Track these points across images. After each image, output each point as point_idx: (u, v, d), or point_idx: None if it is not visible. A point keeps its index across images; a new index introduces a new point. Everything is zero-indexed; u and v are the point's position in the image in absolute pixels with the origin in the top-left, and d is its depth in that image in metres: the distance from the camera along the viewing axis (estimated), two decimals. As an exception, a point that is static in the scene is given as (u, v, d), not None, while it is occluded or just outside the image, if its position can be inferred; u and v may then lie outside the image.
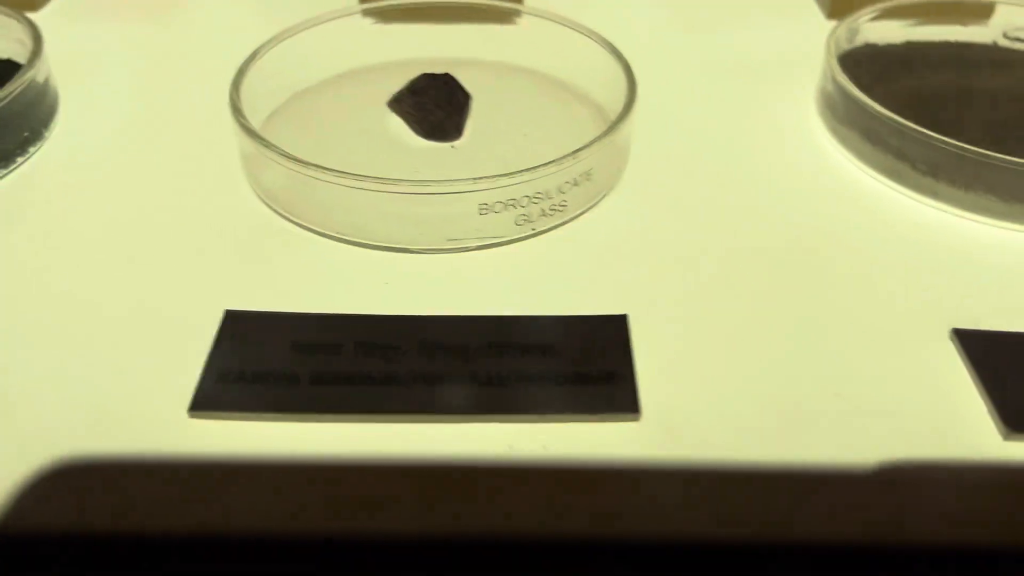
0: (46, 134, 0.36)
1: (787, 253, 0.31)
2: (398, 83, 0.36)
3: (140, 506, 0.12)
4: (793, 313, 0.28)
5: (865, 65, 0.40)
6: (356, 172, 0.29)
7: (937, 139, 0.32)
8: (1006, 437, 0.24)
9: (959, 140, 0.34)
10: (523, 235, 0.31)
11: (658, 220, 0.32)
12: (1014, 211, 0.32)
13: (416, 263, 0.30)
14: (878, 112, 0.33)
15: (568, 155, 0.30)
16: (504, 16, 0.41)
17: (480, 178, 0.29)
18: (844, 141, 0.36)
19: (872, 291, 0.29)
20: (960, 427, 0.25)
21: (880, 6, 0.41)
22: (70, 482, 0.13)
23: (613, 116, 0.33)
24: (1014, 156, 0.33)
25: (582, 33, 0.37)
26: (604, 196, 0.33)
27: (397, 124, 0.36)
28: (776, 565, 0.11)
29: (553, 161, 0.30)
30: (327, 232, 0.31)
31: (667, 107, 0.38)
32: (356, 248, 0.31)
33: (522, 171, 0.29)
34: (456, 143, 0.35)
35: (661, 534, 0.12)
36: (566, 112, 0.37)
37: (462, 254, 0.30)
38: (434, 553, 0.12)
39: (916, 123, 0.34)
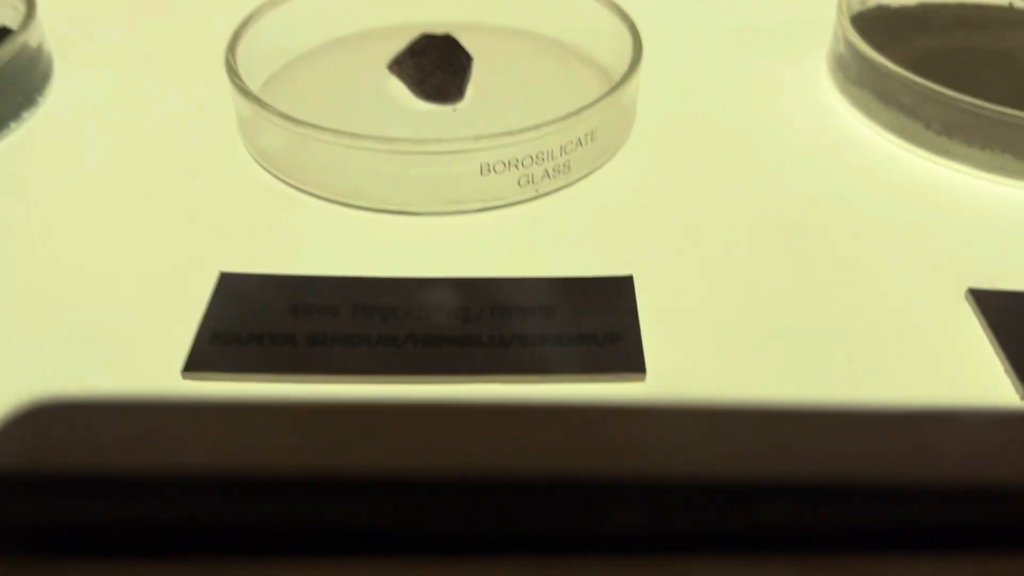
0: (40, 99, 0.35)
1: (796, 214, 0.30)
2: (398, 46, 0.35)
3: (116, 445, 0.12)
4: (804, 274, 0.28)
5: (877, 26, 0.39)
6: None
7: (953, 97, 0.31)
8: (1024, 397, 0.23)
9: (980, 98, 0.33)
10: (526, 197, 0.30)
11: (665, 182, 0.32)
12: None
13: (416, 226, 0.30)
14: (892, 71, 0.32)
15: (571, 114, 0.29)
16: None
17: (481, 137, 0.28)
18: (856, 102, 0.35)
19: (885, 253, 0.29)
20: (977, 387, 0.24)
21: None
22: (50, 422, 0.12)
23: (618, 79, 0.32)
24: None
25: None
26: (610, 158, 0.32)
27: (397, 87, 0.35)
28: (785, 500, 0.11)
29: (556, 120, 0.29)
30: (325, 195, 0.30)
31: (674, 68, 0.37)
32: (355, 211, 0.30)
33: (524, 130, 0.29)
34: (457, 106, 0.35)
35: (669, 473, 0.12)
36: (570, 74, 0.37)
37: (463, 216, 0.30)
38: (437, 493, 0.11)
39: (934, 81, 0.33)
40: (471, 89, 0.35)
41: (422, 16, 0.39)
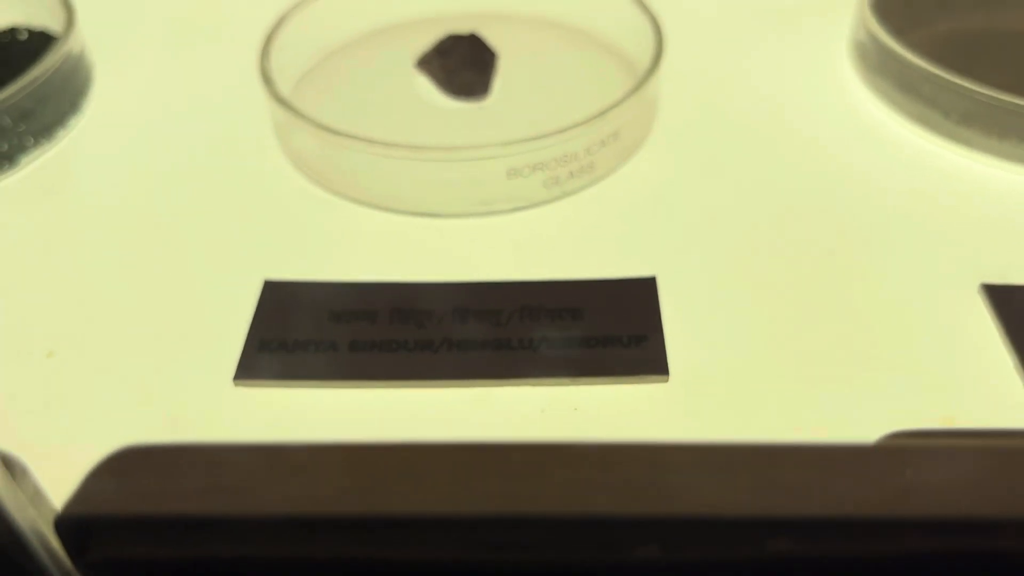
0: (83, 106, 0.36)
1: (818, 210, 0.31)
2: (426, 40, 0.36)
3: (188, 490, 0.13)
4: (822, 270, 0.29)
5: (899, 9, 0.39)
6: (387, 135, 0.30)
7: (970, 88, 0.31)
8: (1030, 388, 0.24)
9: (995, 86, 0.34)
10: (552, 197, 0.31)
11: (687, 177, 0.32)
12: (1048, 159, 0.31)
13: (448, 228, 0.31)
14: (910, 60, 0.33)
15: (594, 117, 0.30)
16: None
17: (507, 143, 0.29)
18: (877, 90, 0.35)
19: (903, 245, 0.29)
20: (985, 383, 0.25)
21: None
22: (124, 466, 0.14)
23: (642, 69, 0.33)
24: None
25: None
26: (633, 154, 0.33)
27: (425, 84, 0.36)
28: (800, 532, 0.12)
29: (579, 124, 0.30)
30: (359, 198, 0.32)
31: (696, 60, 0.38)
32: (388, 214, 0.31)
33: (549, 135, 0.30)
34: (484, 102, 0.36)
35: (684, 509, 0.13)
36: (594, 66, 0.37)
37: (492, 217, 0.31)
38: (468, 522, 0.13)
39: (951, 69, 0.33)
40: (498, 83, 0.36)
41: (449, 7, 0.39)
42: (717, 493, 0.13)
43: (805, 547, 0.13)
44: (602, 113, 0.30)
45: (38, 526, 0.14)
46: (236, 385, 0.26)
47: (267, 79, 0.33)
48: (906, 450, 0.13)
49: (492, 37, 0.36)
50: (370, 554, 0.13)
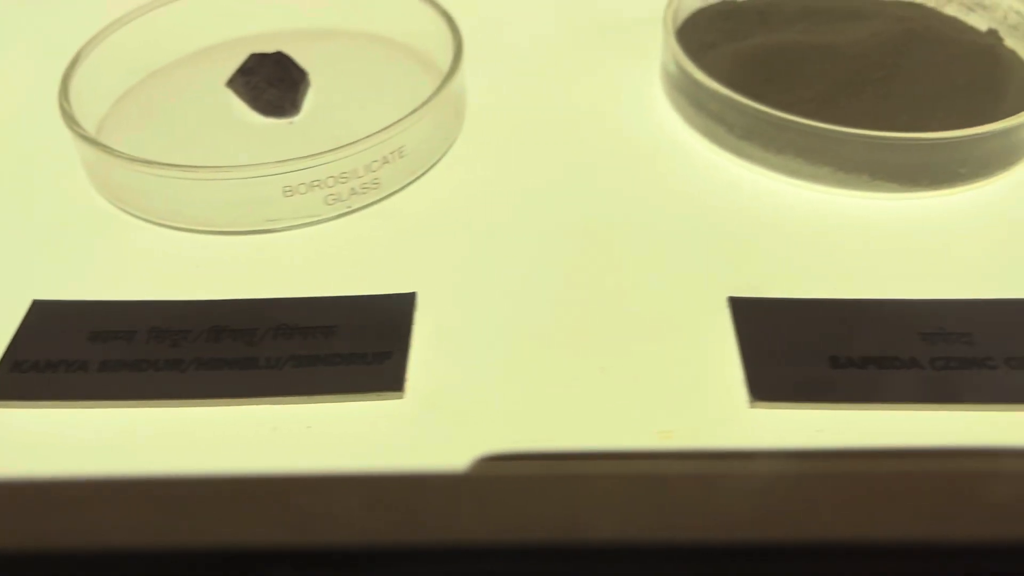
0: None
1: (601, 225, 0.31)
2: (239, 61, 0.37)
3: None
4: (586, 285, 0.29)
5: (718, 22, 0.40)
6: (199, 155, 0.30)
7: (746, 104, 0.32)
8: (750, 405, 0.25)
9: (793, 97, 0.34)
10: (337, 213, 0.32)
11: (479, 195, 0.33)
12: (822, 173, 0.32)
13: (235, 244, 0.31)
14: (697, 79, 0.34)
15: (371, 135, 0.31)
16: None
17: (280, 162, 0.30)
18: (677, 107, 0.36)
19: (674, 255, 0.30)
20: (712, 397, 0.25)
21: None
22: None
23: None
24: (847, 113, 0.34)
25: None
26: (427, 171, 0.34)
27: (240, 104, 0.36)
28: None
29: (354, 143, 0.30)
30: (149, 217, 0.32)
31: (504, 73, 0.38)
32: (177, 232, 0.32)
33: (322, 153, 0.30)
34: (295, 119, 0.36)
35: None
36: (405, 75, 0.38)
37: (278, 234, 0.31)
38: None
39: (751, 81, 0.34)
40: (313, 100, 0.37)
41: (259, 27, 0.40)
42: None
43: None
44: (376, 132, 0.31)
45: None
46: (-15, 405, 0.26)
47: (65, 112, 0.33)
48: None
49: (306, 52, 0.37)
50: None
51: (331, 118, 0.36)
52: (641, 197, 0.33)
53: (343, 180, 0.31)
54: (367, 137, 0.31)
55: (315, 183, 0.30)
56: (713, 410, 0.25)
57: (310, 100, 0.37)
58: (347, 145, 0.30)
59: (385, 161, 0.31)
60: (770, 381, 0.25)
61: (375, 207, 0.32)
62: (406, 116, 0.31)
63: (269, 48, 0.36)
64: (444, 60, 0.36)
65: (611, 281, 0.29)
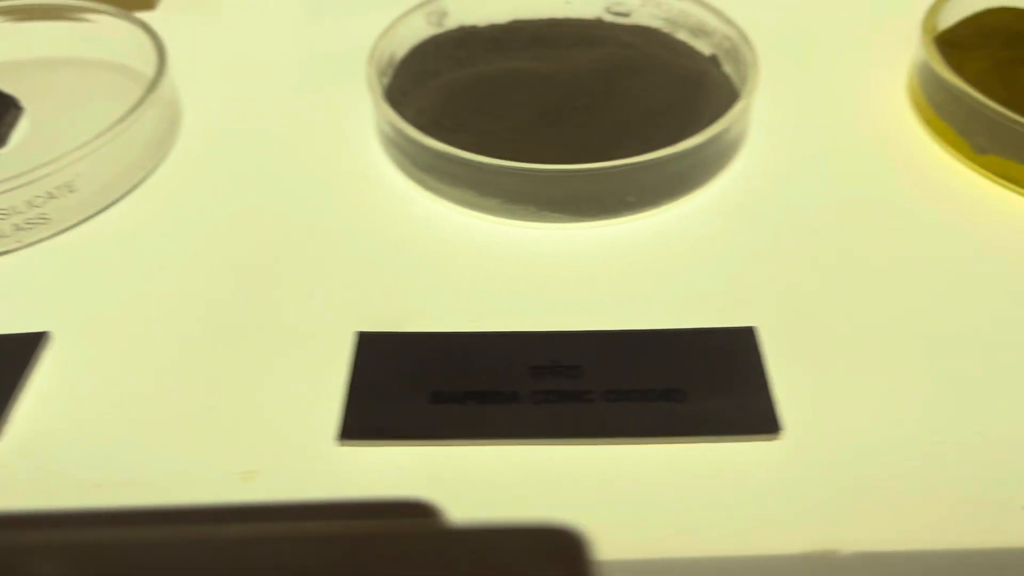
0: None
1: (267, 264, 0.31)
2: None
3: None
4: (234, 326, 0.29)
5: (449, 49, 0.40)
6: None
7: (414, 138, 0.32)
8: (338, 443, 0.25)
9: (497, 126, 0.35)
10: (12, 247, 0.31)
11: (149, 234, 0.33)
12: (491, 205, 0.32)
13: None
14: (383, 110, 0.34)
15: (28, 172, 0.30)
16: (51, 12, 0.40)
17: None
18: (379, 137, 0.36)
19: (323, 292, 0.30)
20: (308, 435, 0.26)
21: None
22: None
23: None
24: (545, 141, 0.34)
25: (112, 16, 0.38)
26: (108, 207, 0.33)
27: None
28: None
29: (9, 178, 0.30)
30: None
31: (220, 109, 0.38)
32: None
33: (-29, 189, 0.30)
34: (3, 150, 0.36)
35: None
36: (122, 101, 0.38)
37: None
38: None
39: (461, 110, 0.35)
40: (28, 128, 0.36)
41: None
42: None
43: None
44: (37, 168, 0.31)
45: None
46: None
47: None
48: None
49: (23, 85, 0.37)
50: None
51: (40, 149, 0.36)
52: (317, 229, 0.33)
53: (5, 216, 0.31)
54: (21, 175, 0.30)
55: (-28, 219, 0.30)
56: (302, 450, 0.25)
57: (22, 130, 0.37)
58: (6, 180, 0.30)
59: (52, 196, 0.31)
60: (365, 418, 0.26)
61: (45, 244, 0.32)
62: (70, 151, 0.31)
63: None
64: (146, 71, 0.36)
65: (254, 318, 0.29)
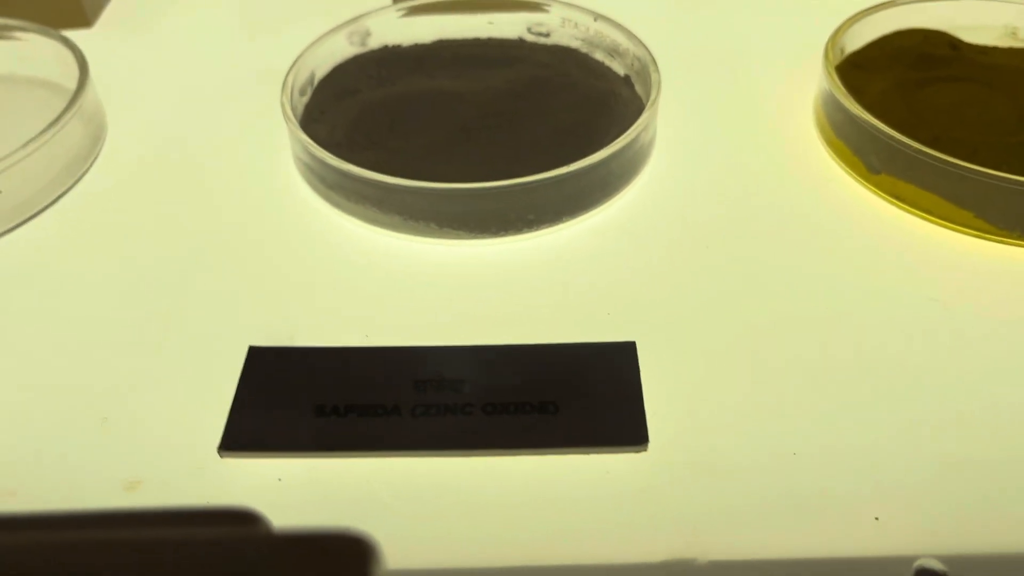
0: None
1: (175, 283, 0.32)
2: None
3: None
4: (139, 340, 0.30)
5: (371, 67, 0.41)
6: None
7: (319, 155, 0.33)
8: (220, 455, 0.26)
9: (408, 144, 0.36)
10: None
11: (60, 251, 0.33)
12: (394, 222, 0.33)
13: None
14: (294, 132, 0.34)
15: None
16: None
17: None
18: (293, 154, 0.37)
19: (224, 306, 0.31)
20: (192, 447, 0.26)
21: (405, 4, 0.42)
22: None
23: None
24: (452, 160, 0.35)
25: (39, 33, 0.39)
26: (32, 217, 0.34)
27: None
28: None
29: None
30: None
31: (146, 133, 0.39)
32: None
33: None
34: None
35: None
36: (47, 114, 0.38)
37: None
38: None
39: (375, 128, 0.36)
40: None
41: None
42: None
43: None
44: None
45: None
46: None
47: None
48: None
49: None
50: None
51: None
52: (227, 244, 0.33)
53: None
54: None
55: None
56: (185, 461, 0.26)
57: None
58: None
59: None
60: (247, 431, 0.26)
61: (-37, 257, 0.33)
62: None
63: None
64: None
65: (155, 332, 0.30)
